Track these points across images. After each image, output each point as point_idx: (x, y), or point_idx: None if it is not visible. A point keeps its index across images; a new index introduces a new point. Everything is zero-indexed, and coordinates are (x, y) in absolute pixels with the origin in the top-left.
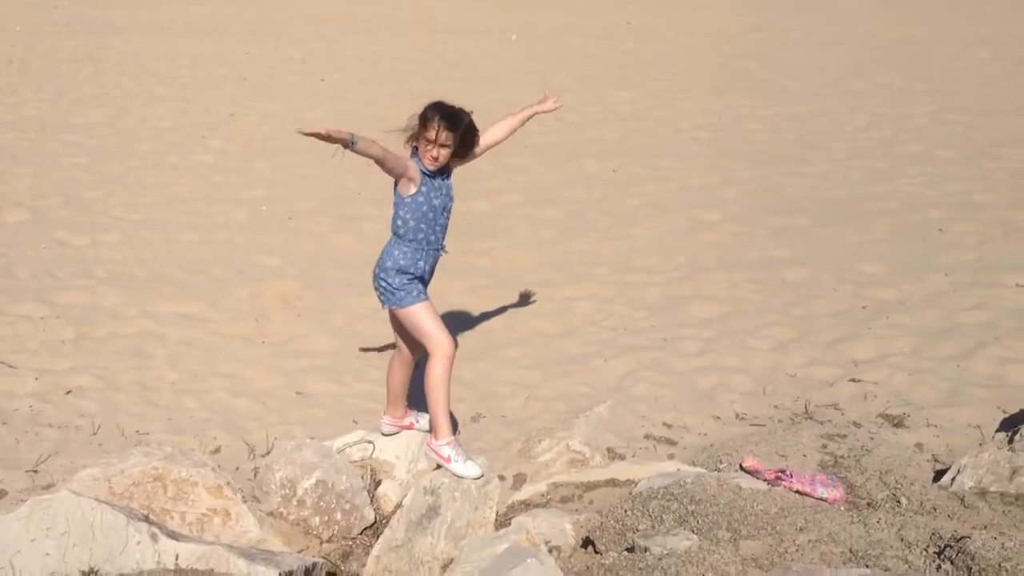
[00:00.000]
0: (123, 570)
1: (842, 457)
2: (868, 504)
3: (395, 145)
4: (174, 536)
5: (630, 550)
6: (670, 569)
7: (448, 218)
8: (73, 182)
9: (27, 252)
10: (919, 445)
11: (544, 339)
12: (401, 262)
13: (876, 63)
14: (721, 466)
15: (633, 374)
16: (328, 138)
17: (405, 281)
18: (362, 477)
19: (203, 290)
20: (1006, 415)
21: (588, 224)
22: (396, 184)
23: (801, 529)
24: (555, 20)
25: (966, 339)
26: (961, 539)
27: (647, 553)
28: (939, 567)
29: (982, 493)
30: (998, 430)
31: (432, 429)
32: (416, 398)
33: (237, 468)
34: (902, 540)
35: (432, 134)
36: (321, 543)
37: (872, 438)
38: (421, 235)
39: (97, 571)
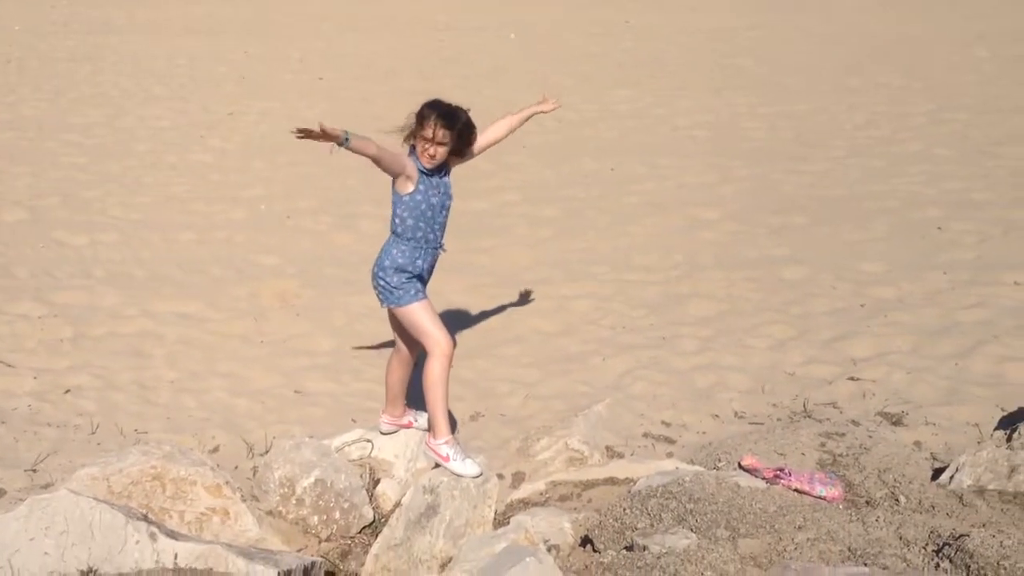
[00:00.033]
0: (122, 569)
1: (841, 455)
2: (867, 502)
3: (394, 144)
4: (173, 535)
5: (629, 548)
6: (669, 568)
7: (447, 216)
8: (71, 181)
9: (25, 251)
10: (918, 443)
11: (543, 337)
12: (399, 261)
13: (875, 61)
14: (720, 464)
15: (631, 372)
16: (322, 136)
17: (403, 280)
18: (361, 476)
19: (201, 289)
20: (1005, 413)
21: (587, 222)
22: (394, 182)
23: (800, 527)
24: (553, 18)
25: (965, 337)
26: (960, 537)
27: (646, 552)
28: (937, 565)
29: (980, 491)
30: (996, 428)
31: (430, 428)
32: (415, 397)
33: (236, 467)
34: (901, 538)
35: (429, 132)
36: (320, 542)
37: (871, 436)
38: (420, 234)
39: (96, 570)
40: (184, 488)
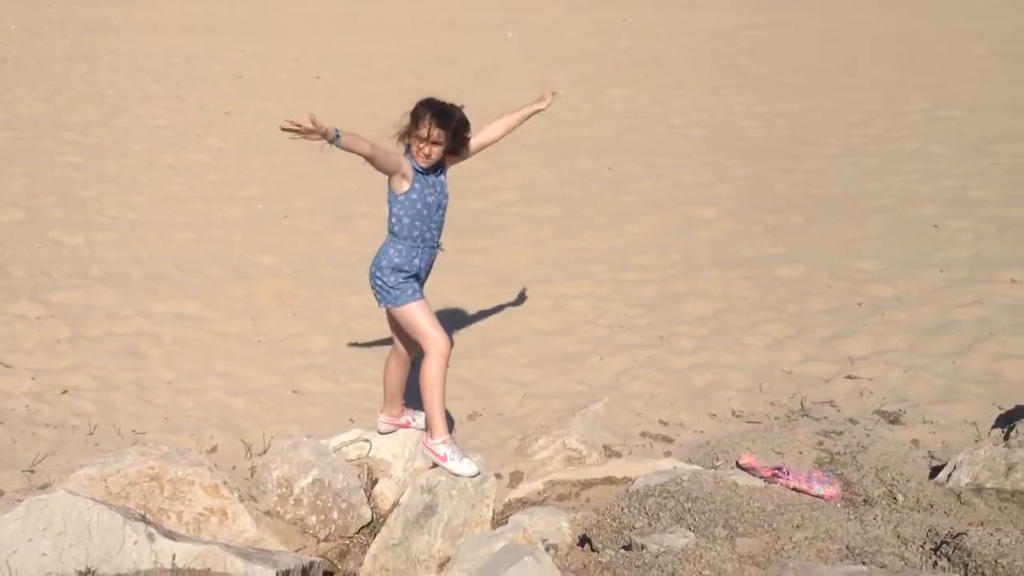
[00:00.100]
0: (120, 570)
1: (838, 454)
2: (864, 501)
3: (392, 144)
4: (171, 536)
5: (627, 548)
6: (667, 567)
7: (443, 215)
8: (68, 181)
9: (22, 251)
10: (915, 442)
11: (540, 337)
12: (396, 260)
13: (870, 59)
14: (717, 463)
15: (629, 372)
16: (312, 129)
17: (401, 279)
18: (359, 476)
19: (199, 289)
20: (1002, 411)
21: (584, 222)
22: (390, 182)
23: (798, 526)
24: (552, 17)
25: (961, 335)
26: (957, 535)
27: (644, 551)
28: (935, 563)
29: (978, 489)
30: (994, 426)
31: (428, 427)
32: (412, 396)
33: (234, 467)
34: (898, 537)
35: (424, 131)
36: (318, 542)
37: (868, 435)
38: (416, 233)
39: (94, 571)
40: (182, 488)
